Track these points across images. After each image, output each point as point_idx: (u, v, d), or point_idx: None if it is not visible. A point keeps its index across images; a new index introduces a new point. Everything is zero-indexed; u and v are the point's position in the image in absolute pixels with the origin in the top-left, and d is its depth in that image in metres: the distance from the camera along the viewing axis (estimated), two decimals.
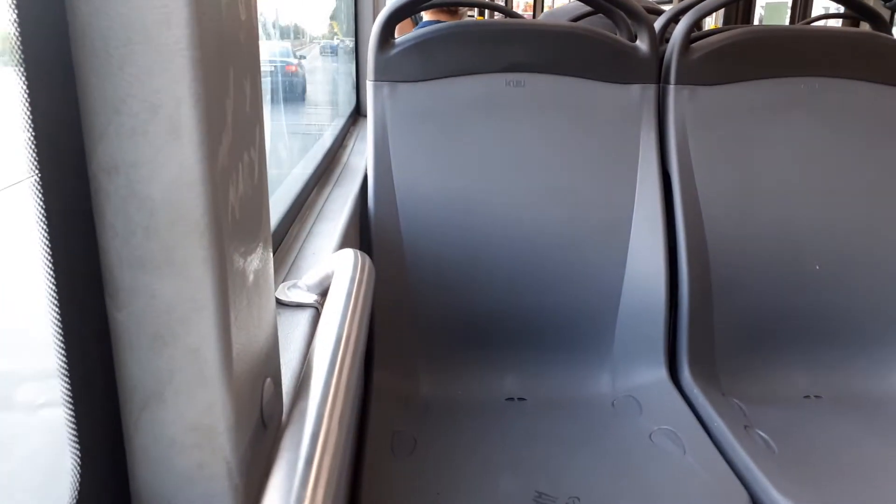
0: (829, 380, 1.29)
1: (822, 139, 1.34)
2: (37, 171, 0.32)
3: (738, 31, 1.36)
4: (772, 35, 1.37)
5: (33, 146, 0.31)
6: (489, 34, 1.29)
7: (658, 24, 1.46)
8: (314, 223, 1.08)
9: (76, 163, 0.34)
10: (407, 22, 2.35)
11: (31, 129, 0.31)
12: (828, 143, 1.34)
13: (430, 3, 1.91)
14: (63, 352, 0.34)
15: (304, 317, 0.71)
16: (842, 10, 3.18)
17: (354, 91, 2.23)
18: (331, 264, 0.71)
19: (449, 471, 1.02)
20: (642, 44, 1.30)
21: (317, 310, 0.74)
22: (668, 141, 1.31)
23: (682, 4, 1.50)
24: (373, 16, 2.18)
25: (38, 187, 0.32)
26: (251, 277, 0.42)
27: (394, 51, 1.26)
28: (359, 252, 0.71)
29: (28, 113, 0.31)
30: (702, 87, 1.32)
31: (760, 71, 1.32)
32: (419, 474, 1.01)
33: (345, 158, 1.60)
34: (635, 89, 1.30)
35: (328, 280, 0.71)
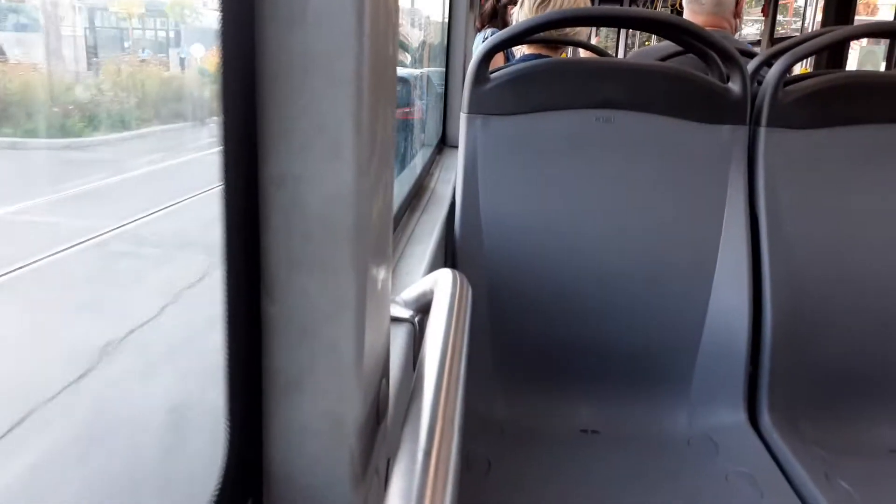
0: None
1: None
2: (223, 179, 0.37)
3: (833, 75, 1.35)
4: (867, 80, 1.36)
5: (223, 159, 0.37)
6: (582, 71, 1.33)
7: (751, 66, 1.46)
8: (406, 244, 1.13)
9: (250, 173, 0.39)
10: (499, 55, 2.43)
11: (222, 144, 0.37)
12: None
13: (524, 40, 1.97)
14: (226, 336, 0.39)
15: (402, 330, 0.76)
16: None
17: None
18: (429, 283, 0.76)
19: (521, 498, 1.03)
20: (734, 85, 1.31)
21: (412, 325, 0.78)
22: (758, 183, 1.31)
23: (776, 48, 1.50)
24: (462, 50, 2.26)
25: (223, 193, 0.37)
26: (379, 285, 0.46)
27: (488, 85, 1.30)
28: (457, 272, 0.75)
29: (222, 130, 0.36)
30: (794, 131, 1.31)
31: (855, 116, 1.31)
32: (492, 496, 1.03)
33: (432, 185, 1.66)
34: (725, 130, 1.30)
35: (424, 297, 0.75)
